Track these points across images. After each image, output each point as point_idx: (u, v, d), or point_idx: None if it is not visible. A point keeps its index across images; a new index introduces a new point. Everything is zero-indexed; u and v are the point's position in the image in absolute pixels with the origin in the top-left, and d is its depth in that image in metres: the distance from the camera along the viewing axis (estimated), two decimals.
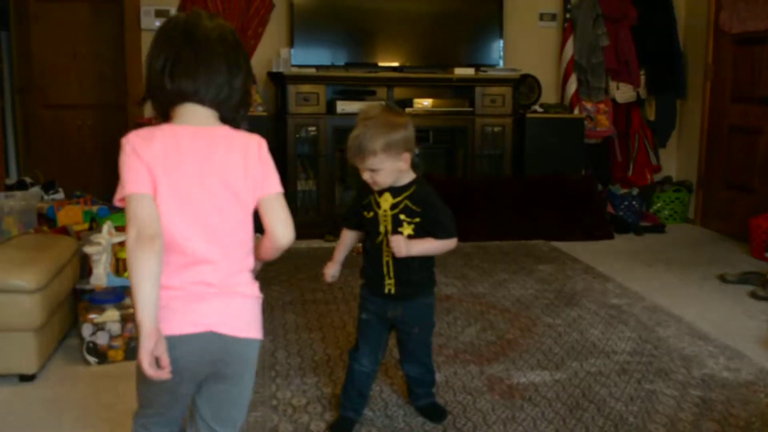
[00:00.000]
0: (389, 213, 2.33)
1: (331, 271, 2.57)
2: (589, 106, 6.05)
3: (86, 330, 3.00)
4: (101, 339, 3.01)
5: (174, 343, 1.52)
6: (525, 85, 6.06)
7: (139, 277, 1.47)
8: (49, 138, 6.18)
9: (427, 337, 2.53)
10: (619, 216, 5.87)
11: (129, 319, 3.03)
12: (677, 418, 2.57)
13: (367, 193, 2.37)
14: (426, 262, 2.40)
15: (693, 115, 6.17)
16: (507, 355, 3.14)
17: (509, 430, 2.48)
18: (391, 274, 2.38)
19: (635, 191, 6.01)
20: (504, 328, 3.47)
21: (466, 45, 5.93)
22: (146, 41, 5.65)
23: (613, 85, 6.14)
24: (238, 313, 1.62)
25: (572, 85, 6.03)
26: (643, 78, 6.15)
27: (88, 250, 3.18)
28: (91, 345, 3.00)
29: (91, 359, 3.01)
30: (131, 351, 3.05)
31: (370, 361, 2.48)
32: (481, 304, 3.86)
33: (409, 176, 2.34)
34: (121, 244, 3.49)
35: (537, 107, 5.95)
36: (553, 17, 6.21)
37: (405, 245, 2.26)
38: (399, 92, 5.80)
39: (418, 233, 2.31)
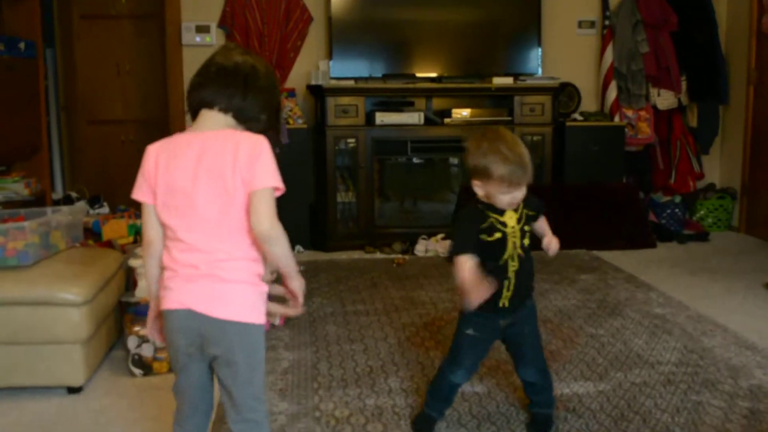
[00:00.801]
0: (517, 228, 2.34)
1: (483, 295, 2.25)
2: (629, 113, 6.00)
3: (132, 342, 3.04)
4: (146, 351, 3.05)
5: (166, 316, 1.83)
6: (564, 94, 6.03)
7: (146, 272, 1.91)
8: (94, 153, 6.30)
9: (537, 338, 2.52)
10: (661, 224, 5.80)
11: None
12: (725, 429, 2.53)
13: (481, 217, 2.32)
14: (533, 267, 2.44)
15: (736, 120, 6.08)
16: (550, 366, 3.10)
17: None
18: (511, 288, 2.37)
19: (678, 199, 5.93)
20: (546, 339, 3.44)
21: (504, 54, 5.92)
22: (187, 57, 5.75)
23: (653, 91, 6.07)
24: (219, 296, 1.79)
25: (612, 93, 5.98)
26: (684, 84, 6.08)
27: (133, 263, 3.23)
28: (136, 357, 3.05)
29: (137, 371, 3.05)
30: None
31: (466, 375, 2.51)
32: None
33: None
34: None
35: (577, 115, 5.91)
36: (592, 24, 6.17)
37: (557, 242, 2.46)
38: (437, 103, 5.82)
39: (531, 238, 2.40)
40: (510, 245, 2.34)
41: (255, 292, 1.85)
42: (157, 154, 1.89)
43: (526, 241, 2.37)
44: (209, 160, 1.79)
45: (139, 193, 1.89)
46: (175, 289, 1.80)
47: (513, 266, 2.35)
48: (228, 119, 1.87)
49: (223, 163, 1.78)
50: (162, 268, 1.86)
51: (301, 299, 1.96)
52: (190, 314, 1.78)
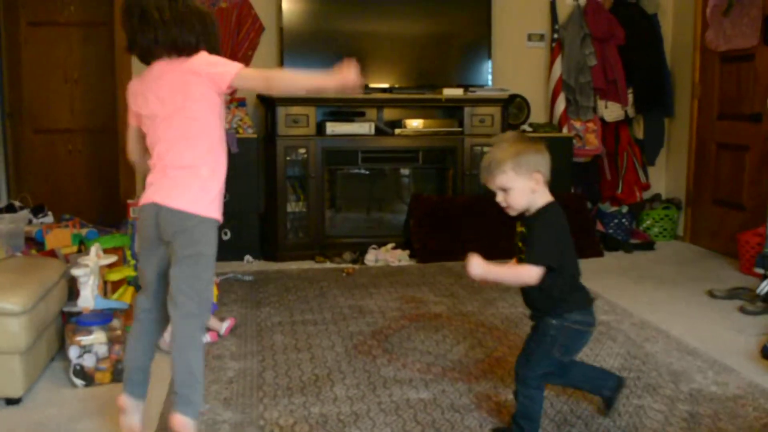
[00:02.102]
0: (517, 242, 2.44)
1: None
2: (577, 125, 6.09)
3: (73, 352, 2.99)
4: (88, 361, 3.00)
5: (139, 211, 2.34)
6: (514, 105, 6.09)
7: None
8: (39, 162, 6.20)
9: (530, 350, 2.45)
10: (608, 234, 5.89)
11: (116, 341, 3.03)
12: None
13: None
14: (547, 289, 2.34)
15: (681, 132, 6.21)
16: (495, 373, 3.14)
17: None
18: (526, 301, 2.49)
19: (624, 209, 6.03)
20: (492, 346, 3.46)
21: (455, 66, 5.97)
22: (137, 66, 5.67)
23: (601, 104, 6.17)
24: (178, 193, 2.26)
25: (561, 105, 6.06)
26: (630, 97, 6.18)
27: (76, 272, 3.18)
28: (78, 367, 2.99)
29: (78, 382, 3.00)
30: (118, 373, 3.04)
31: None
32: (470, 322, 3.86)
33: (542, 200, 2.37)
34: (109, 266, 3.49)
35: (526, 126, 5.98)
36: (541, 38, 6.26)
37: (475, 266, 2.31)
38: (389, 113, 5.84)
39: None
40: (517, 253, 2.45)
41: (207, 191, 2.36)
42: (131, 91, 2.52)
43: (523, 259, 2.37)
44: (166, 86, 2.37)
45: (130, 119, 2.53)
46: (148, 191, 2.37)
47: None
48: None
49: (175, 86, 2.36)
50: None
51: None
52: (153, 206, 2.34)
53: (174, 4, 2.35)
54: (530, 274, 2.29)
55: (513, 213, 2.39)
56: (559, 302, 2.36)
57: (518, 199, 2.35)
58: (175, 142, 2.31)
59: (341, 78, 2.37)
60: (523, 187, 2.33)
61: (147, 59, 2.41)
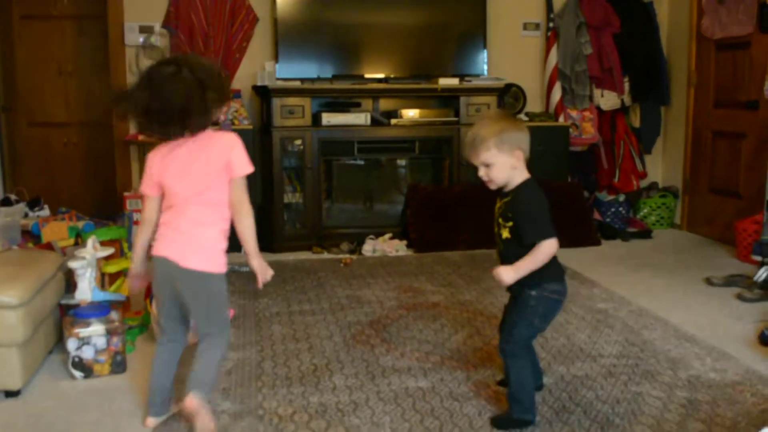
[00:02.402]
0: (496, 216, 2.56)
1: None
2: (573, 114, 6.08)
3: (71, 344, 2.98)
4: (87, 353, 2.99)
5: (153, 259, 2.48)
6: (510, 95, 6.09)
7: (138, 238, 2.56)
8: (35, 156, 6.18)
9: (514, 323, 2.54)
10: (606, 222, 5.89)
11: (114, 333, 3.02)
12: (663, 419, 2.58)
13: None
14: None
15: (677, 121, 6.20)
16: (493, 361, 3.14)
17: None
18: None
19: (621, 198, 6.03)
20: (491, 335, 3.46)
21: (450, 55, 5.96)
22: (131, 58, 5.67)
23: (597, 92, 6.17)
24: (189, 250, 2.42)
25: (557, 94, 6.06)
26: (627, 85, 6.18)
27: (73, 264, 3.17)
28: (76, 359, 2.99)
29: (77, 374, 3.00)
30: (117, 365, 3.04)
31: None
32: (468, 311, 3.86)
33: (521, 177, 2.49)
34: (106, 258, 3.48)
35: (522, 116, 5.97)
36: (537, 27, 6.25)
37: (505, 275, 2.42)
38: (385, 103, 5.84)
39: (515, 234, 2.45)
40: (495, 228, 2.57)
41: (215, 252, 2.51)
42: (154, 162, 2.51)
43: (502, 233, 2.50)
44: (193, 159, 2.45)
45: (144, 189, 2.54)
46: (160, 243, 2.50)
47: (497, 249, 2.58)
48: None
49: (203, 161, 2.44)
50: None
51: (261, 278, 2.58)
52: (165, 260, 2.46)
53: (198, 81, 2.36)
54: (548, 250, 2.41)
55: (493, 187, 2.51)
56: (538, 273, 2.45)
57: (499, 174, 2.46)
58: (192, 215, 2.44)
59: (260, 268, 2.57)
60: (504, 163, 2.44)
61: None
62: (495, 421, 2.56)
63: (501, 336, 2.60)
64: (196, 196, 2.41)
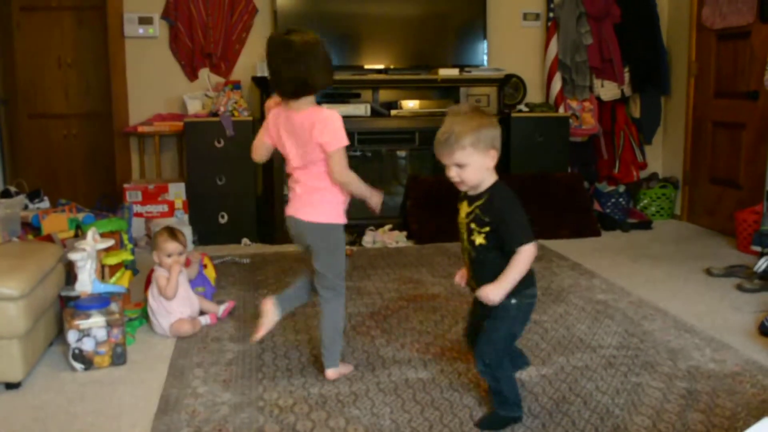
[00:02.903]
0: (464, 221, 2.41)
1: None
2: (574, 104, 6.08)
3: (72, 336, 2.99)
4: (87, 345, 3.00)
5: (287, 218, 2.85)
6: (510, 85, 6.07)
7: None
8: (35, 148, 6.17)
9: (490, 333, 2.41)
10: (606, 213, 5.89)
11: (114, 324, 3.03)
12: (663, 409, 2.58)
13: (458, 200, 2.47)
14: (503, 265, 2.31)
15: (677, 111, 6.20)
16: None
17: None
18: (472, 275, 2.48)
19: (621, 188, 6.03)
20: None
21: (450, 46, 5.95)
22: (130, 49, 5.67)
23: (597, 83, 6.16)
24: (307, 208, 2.76)
25: (557, 84, 6.05)
26: (627, 75, 6.17)
27: (73, 256, 3.18)
28: (77, 351, 2.99)
29: (77, 366, 3.00)
30: (117, 357, 3.05)
31: (471, 344, 2.60)
32: (468, 302, 3.82)
33: (492, 179, 2.36)
34: (106, 250, 3.49)
35: (522, 106, 5.96)
36: (537, 17, 6.24)
37: (494, 294, 2.29)
38: (384, 94, 5.83)
39: (490, 240, 2.33)
40: (461, 234, 2.44)
41: (331, 206, 2.81)
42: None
43: (475, 239, 2.36)
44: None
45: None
46: (288, 205, 2.87)
47: (467, 256, 2.45)
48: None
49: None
50: None
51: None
52: (291, 218, 2.82)
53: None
54: (531, 255, 2.29)
55: (464, 188, 2.39)
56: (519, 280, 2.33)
57: (473, 176, 2.33)
58: (306, 179, 2.79)
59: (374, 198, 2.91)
60: (479, 163, 2.31)
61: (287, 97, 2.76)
62: (482, 424, 2.47)
63: (478, 350, 2.42)
64: (303, 168, 2.75)
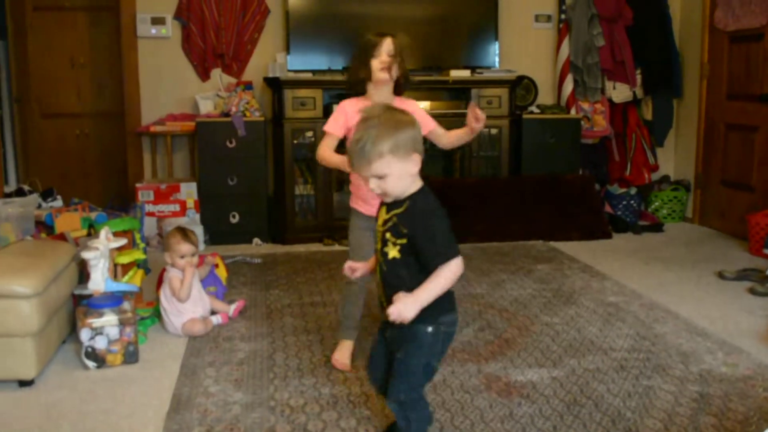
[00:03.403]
0: (380, 230, 2.12)
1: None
2: (585, 106, 6.06)
3: (85, 335, 3.00)
4: (100, 343, 3.01)
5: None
6: (521, 87, 6.07)
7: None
8: (48, 147, 6.21)
9: (407, 367, 2.11)
10: (617, 215, 5.87)
11: (127, 323, 3.04)
12: (675, 412, 2.57)
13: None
14: (415, 286, 2.00)
15: (689, 113, 6.18)
16: (505, 354, 3.14)
17: (506, 427, 2.48)
18: (381, 289, 2.18)
19: (633, 191, 6.01)
20: (502, 327, 3.47)
21: (461, 47, 5.94)
22: (143, 49, 5.69)
23: (609, 85, 6.15)
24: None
25: (568, 86, 6.04)
26: (639, 77, 6.15)
27: (86, 255, 3.19)
28: (89, 349, 3.01)
29: (90, 364, 3.02)
30: (130, 355, 3.06)
31: (373, 380, 2.33)
32: (479, 304, 3.86)
33: (416, 185, 2.07)
34: (119, 249, 3.50)
35: (534, 108, 5.96)
36: (549, 18, 6.23)
37: (405, 309, 1.95)
38: None
39: (405, 254, 2.03)
40: (375, 243, 2.16)
41: None
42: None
43: (389, 252, 2.06)
44: None
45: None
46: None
47: (378, 269, 2.15)
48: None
49: None
50: None
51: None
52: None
53: None
54: (456, 271, 2.00)
55: (388, 200, 2.07)
56: (434, 304, 2.01)
57: (396, 185, 2.02)
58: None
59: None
60: (402, 171, 2.00)
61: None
62: None
63: (391, 388, 2.13)
64: None
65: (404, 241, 2.02)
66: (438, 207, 2.06)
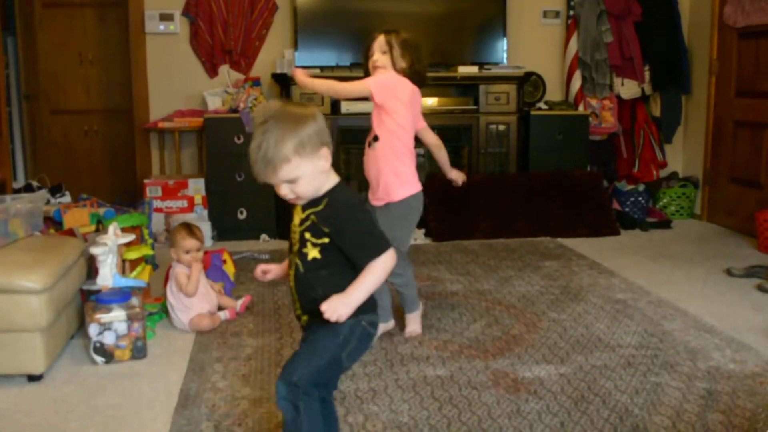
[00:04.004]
0: (297, 230, 1.94)
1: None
2: (593, 102, 6.05)
3: (93, 330, 3.01)
4: (108, 339, 3.02)
5: (415, 195, 3.24)
6: (529, 83, 6.06)
7: None
8: (56, 143, 6.23)
9: (314, 349, 1.91)
10: (625, 212, 5.86)
11: (135, 318, 3.05)
12: (683, 409, 2.57)
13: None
14: (335, 286, 1.85)
15: (698, 110, 6.16)
16: (512, 350, 3.14)
17: (514, 423, 2.48)
18: (293, 292, 2.00)
19: (641, 187, 6.00)
20: (509, 324, 3.47)
21: (469, 43, 5.94)
22: (151, 45, 5.70)
23: (617, 81, 6.13)
24: None
25: (577, 82, 6.03)
26: (647, 74, 6.14)
27: (94, 250, 3.20)
28: (98, 345, 3.02)
29: (98, 359, 3.03)
30: (138, 350, 3.07)
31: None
32: (486, 300, 3.86)
33: (331, 181, 1.91)
34: (127, 245, 3.51)
35: (541, 104, 5.95)
36: (557, 14, 6.22)
37: (342, 308, 1.81)
38: None
39: (327, 254, 1.88)
40: (292, 243, 1.98)
41: None
42: None
43: (308, 252, 1.89)
44: None
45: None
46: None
47: (293, 272, 1.97)
48: None
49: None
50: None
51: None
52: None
53: None
54: (389, 264, 1.85)
55: (302, 203, 1.91)
56: None
57: (309, 186, 1.86)
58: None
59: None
60: (313, 170, 1.84)
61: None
62: None
63: (285, 368, 1.90)
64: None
65: (326, 240, 1.86)
66: (359, 200, 1.97)
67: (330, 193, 1.89)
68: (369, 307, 1.93)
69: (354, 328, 1.90)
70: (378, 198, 3.26)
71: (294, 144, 1.80)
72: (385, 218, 3.12)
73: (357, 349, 1.94)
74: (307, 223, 1.89)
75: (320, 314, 1.81)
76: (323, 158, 1.86)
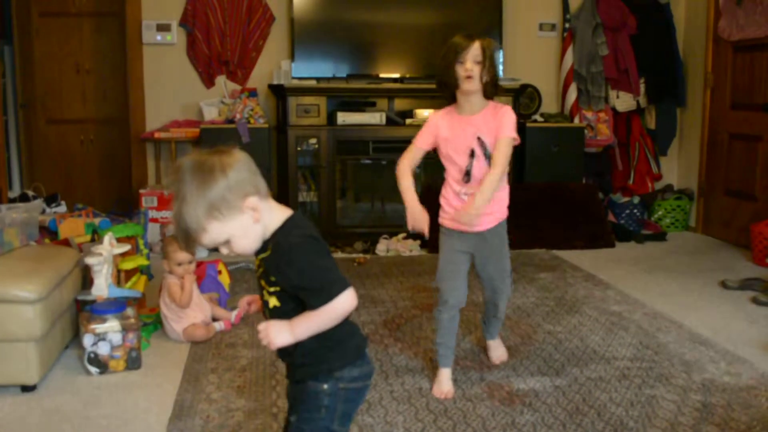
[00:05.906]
0: (257, 276, 1.75)
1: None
2: (589, 115, 6.07)
3: (87, 340, 3.01)
4: (102, 349, 3.02)
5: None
6: (525, 95, 6.08)
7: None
8: (52, 152, 6.22)
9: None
10: (620, 224, 5.87)
11: (130, 329, 3.05)
12: (677, 422, 2.57)
13: None
14: (315, 338, 1.65)
15: (693, 122, 6.18)
16: (507, 362, 3.14)
17: None
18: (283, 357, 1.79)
19: (636, 199, 6.01)
20: (504, 336, 3.47)
21: None
22: (148, 56, 5.71)
23: (613, 93, 6.16)
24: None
25: (572, 95, 6.05)
26: (642, 86, 6.16)
27: (89, 260, 3.20)
28: (92, 355, 3.01)
29: (93, 369, 3.02)
30: (132, 361, 3.07)
31: None
32: (482, 312, 3.85)
33: (276, 220, 1.67)
34: (122, 255, 3.51)
35: (537, 117, 5.97)
36: (553, 27, 6.24)
37: (278, 336, 1.62)
38: (399, 103, 5.84)
39: (284, 302, 1.66)
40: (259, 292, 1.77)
41: None
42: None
43: (270, 301, 1.68)
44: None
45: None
46: None
47: (265, 317, 1.75)
48: None
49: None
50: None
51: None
52: None
53: None
54: (342, 306, 1.61)
55: (251, 252, 1.68)
56: (329, 358, 1.69)
57: (245, 243, 1.64)
58: None
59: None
60: (240, 227, 1.61)
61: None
62: None
63: None
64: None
65: (278, 288, 1.66)
66: (305, 237, 1.63)
67: (274, 235, 1.65)
68: (349, 358, 1.72)
69: (333, 395, 1.71)
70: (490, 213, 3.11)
71: (204, 210, 1.56)
72: (501, 238, 3.17)
73: (348, 410, 1.76)
74: (260, 269, 1.70)
75: (301, 370, 1.71)
76: (248, 212, 1.60)
